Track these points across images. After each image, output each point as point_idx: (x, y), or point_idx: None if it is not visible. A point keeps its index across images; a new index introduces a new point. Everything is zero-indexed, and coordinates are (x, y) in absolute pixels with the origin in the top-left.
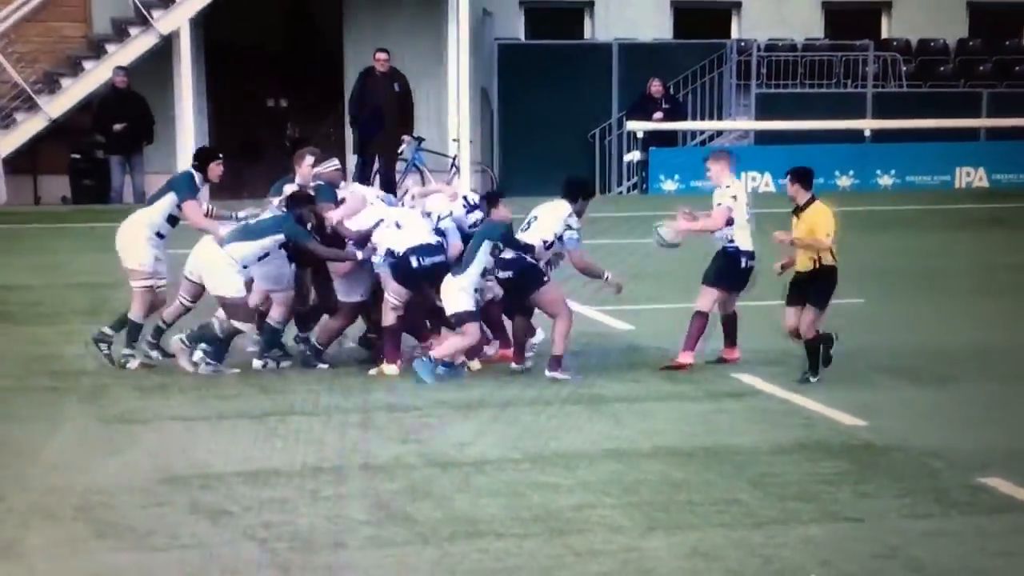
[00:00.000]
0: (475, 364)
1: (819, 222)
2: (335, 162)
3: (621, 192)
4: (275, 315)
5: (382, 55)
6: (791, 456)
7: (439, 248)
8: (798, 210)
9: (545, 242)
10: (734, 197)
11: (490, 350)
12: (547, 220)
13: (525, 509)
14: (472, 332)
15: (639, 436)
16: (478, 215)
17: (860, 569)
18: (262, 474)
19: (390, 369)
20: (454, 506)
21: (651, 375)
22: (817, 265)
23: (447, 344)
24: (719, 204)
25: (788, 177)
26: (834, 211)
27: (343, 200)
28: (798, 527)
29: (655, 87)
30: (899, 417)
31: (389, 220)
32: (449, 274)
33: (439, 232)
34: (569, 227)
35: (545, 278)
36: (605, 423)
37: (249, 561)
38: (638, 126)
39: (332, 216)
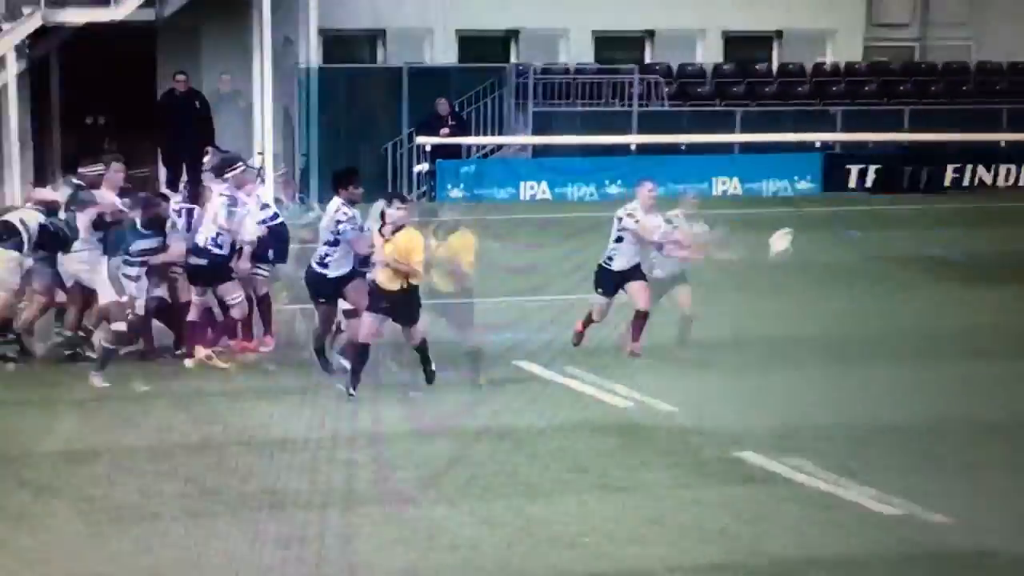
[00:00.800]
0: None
1: (416, 248)
2: (100, 167)
3: (411, 200)
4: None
5: (181, 76)
6: (567, 434)
7: (204, 251)
8: (392, 231)
9: (327, 242)
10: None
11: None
12: (325, 222)
13: (325, 483)
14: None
15: (431, 419)
16: (269, 212)
17: (630, 534)
18: (83, 453)
19: (188, 362)
20: (260, 481)
21: (445, 367)
22: (405, 285)
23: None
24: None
25: (399, 203)
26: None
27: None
28: (573, 497)
29: (442, 106)
30: (666, 398)
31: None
32: None
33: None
34: (339, 221)
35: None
36: (402, 407)
37: (72, 534)
38: (426, 140)
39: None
